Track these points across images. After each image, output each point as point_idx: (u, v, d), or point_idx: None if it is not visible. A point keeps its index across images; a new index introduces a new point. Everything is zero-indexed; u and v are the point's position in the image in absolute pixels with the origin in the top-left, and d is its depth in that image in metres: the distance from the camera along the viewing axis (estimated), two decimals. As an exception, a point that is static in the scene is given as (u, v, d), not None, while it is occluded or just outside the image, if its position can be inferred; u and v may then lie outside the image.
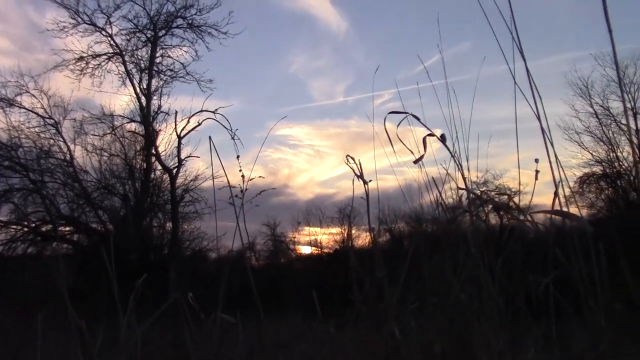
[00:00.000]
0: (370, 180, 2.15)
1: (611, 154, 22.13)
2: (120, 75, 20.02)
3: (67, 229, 19.89)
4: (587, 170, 22.90)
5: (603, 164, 22.57)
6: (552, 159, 1.63)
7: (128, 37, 19.85)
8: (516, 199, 2.07)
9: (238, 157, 2.26)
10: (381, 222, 22.35)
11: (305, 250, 27.24)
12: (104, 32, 19.48)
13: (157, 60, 20.32)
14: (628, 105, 22.05)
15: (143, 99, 20.00)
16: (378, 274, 2.02)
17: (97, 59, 19.69)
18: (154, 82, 20.27)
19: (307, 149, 36.47)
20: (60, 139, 19.53)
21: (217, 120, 3.10)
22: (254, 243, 26.31)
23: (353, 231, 19.77)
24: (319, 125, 36.53)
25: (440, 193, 2.17)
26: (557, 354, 2.06)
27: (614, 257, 1.94)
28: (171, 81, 20.41)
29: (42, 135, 19.23)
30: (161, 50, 20.43)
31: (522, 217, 1.93)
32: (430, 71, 2.56)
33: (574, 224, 1.54)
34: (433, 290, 2.23)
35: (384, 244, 21.80)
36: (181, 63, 20.48)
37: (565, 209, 1.69)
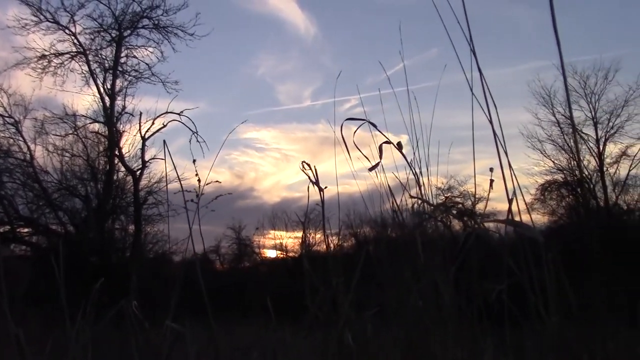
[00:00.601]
0: (326, 187, 2.15)
1: (572, 162, 22.69)
2: (83, 75, 19.72)
3: (26, 230, 19.40)
4: (549, 177, 23.48)
5: (564, 171, 23.15)
6: (506, 170, 1.65)
7: (92, 36, 19.57)
8: (479, 206, 2.09)
9: (194, 161, 2.25)
10: (347, 226, 22.45)
11: (271, 254, 27.16)
12: (67, 31, 19.18)
13: (122, 60, 20.10)
14: (588, 115, 22.71)
15: (107, 99, 19.71)
16: (333, 280, 2.01)
17: (60, 57, 19.37)
18: (118, 82, 20.03)
19: (274, 152, 36.53)
20: (20, 139, 19.14)
21: (182, 123, 3.07)
22: (219, 246, 26.11)
23: (318, 236, 19.76)
24: (286, 129, 36.64)
25: (395, 201, 2.18)
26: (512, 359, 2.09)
27: (569, 264, 1.98)
28: (136, 82, 20.20)
29: (2, 134, 18.86)
30: (126, 50, 20.21)
31: (475, 225, 1.95)
32: (397, 77, 2.57)
33: (526, 233, 1.56)
34: (392, 296, 2.24)
35: (348, 248, 21.87)
36: (146, 64, 20.29)
37: (518, 218, 1.71)
